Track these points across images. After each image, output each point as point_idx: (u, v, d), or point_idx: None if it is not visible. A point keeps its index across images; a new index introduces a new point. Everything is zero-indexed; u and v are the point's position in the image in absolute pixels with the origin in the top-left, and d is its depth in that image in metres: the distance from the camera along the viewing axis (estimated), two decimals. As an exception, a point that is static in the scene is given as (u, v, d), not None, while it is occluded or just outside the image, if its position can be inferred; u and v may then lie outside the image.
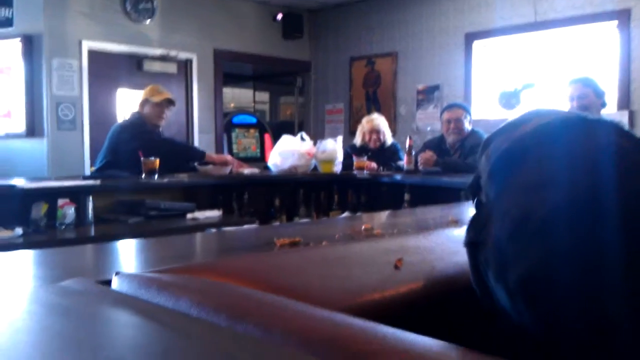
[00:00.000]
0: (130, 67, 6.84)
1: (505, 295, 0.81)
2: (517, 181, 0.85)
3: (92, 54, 6.45)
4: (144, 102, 4.54)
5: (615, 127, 0.84)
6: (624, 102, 5.55)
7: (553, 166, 0.83)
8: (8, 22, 6.20)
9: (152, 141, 4.36)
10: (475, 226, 0.92)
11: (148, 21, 6.80)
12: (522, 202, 0.83)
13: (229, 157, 4.71)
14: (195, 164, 4.59)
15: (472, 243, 0.91)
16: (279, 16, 7.94)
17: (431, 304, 1.05)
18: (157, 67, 7.00)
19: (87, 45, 6.39)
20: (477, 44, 6.76)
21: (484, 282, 0.88)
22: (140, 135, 4.36)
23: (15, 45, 6.16)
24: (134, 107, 4.67)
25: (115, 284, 0.92)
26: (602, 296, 0.75)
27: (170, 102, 4.59)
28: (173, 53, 7.06)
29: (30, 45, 6.14)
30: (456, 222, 1.78)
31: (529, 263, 0.78)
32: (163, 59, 7.03)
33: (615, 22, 5.61)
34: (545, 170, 0.83)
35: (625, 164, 0.80)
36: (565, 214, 0.78)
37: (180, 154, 4.66)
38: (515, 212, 0.83)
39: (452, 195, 3.42)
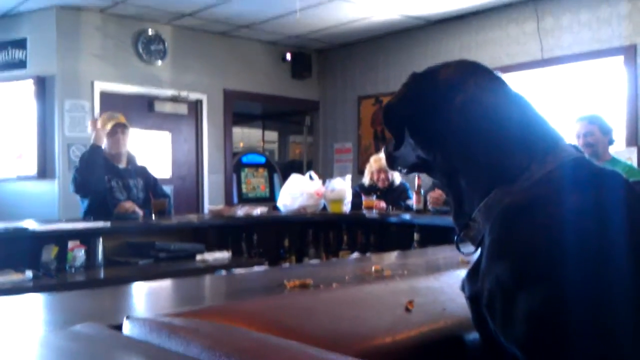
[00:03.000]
0: (141, 108, 6.90)
1: (515, 345, 0.81)
2: (521, 233, 0.85)
3: (104, 95, 6.53)
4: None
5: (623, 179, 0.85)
6: (632, 138, 5.53)
7: (557, 220, 0.83)
8: (21, 64, 6.30)
9: (80, 174, 4.15)
10: (474, 278, 0.92)
11: (159, 62, 6.90)
12: (526, 254, 0.82)
13: (127, 204, 4.19)
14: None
15: (474, 297, 0.91)
16: (288, 56, 8.03)
17: (443, 347, 1.04)
18: (168, 108, 7.07)
19: (99, 86, 6.47)
20: (484, 82, 6.78)
21: (489, 331, 0.87)
22: (77, 172, 4.19)
23: (27, 87, 6.25)
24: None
25: (126, 328, 0.92)
26: (615, 340, 0.74)
27: (122, 126, 4.33)
28: (184, 94, 7.13)
29: (43, 87, 6.23)
30: (467, 263, 1.77)
31: (537, 313, 0.78)
32: (174, 99, 7.10)
33: (622, 57, 5.63)
34: (550, 223, 0.83)
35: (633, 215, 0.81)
36: (572, 263, 0.78)
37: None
38: (519, 263, 0.82)
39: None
